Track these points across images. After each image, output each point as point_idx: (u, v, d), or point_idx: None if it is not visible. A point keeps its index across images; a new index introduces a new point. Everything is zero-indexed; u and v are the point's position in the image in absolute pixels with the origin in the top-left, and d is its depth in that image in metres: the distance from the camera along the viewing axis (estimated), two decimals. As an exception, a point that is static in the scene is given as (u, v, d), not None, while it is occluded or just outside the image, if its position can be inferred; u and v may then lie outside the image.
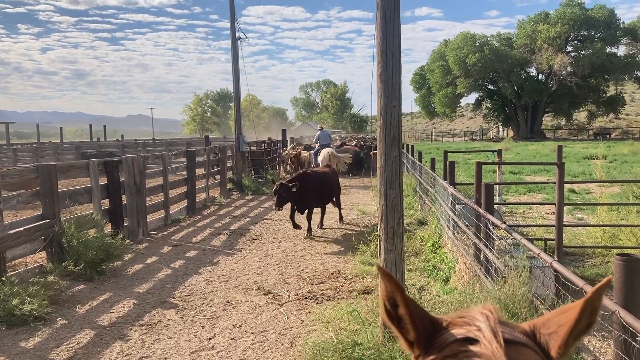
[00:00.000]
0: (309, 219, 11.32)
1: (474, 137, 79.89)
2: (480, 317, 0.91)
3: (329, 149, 20.50)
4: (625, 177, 17.49)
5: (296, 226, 11.24)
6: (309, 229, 11.23)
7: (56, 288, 7.25)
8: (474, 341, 0.86)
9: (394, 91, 4.99)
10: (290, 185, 10.58)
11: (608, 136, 62.60)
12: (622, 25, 62.94)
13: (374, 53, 5.12)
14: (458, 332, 0.90)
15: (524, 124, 67.16)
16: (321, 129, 22.34)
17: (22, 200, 8.13)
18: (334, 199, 12.45)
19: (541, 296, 4.20)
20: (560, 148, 8.33)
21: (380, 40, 4.96)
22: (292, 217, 11.26)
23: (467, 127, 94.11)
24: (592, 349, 3.78)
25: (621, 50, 64.47)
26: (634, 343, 2.53)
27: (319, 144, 21.65)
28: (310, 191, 11.03)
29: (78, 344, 5.77)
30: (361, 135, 49.87)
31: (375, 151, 24.25)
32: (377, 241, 9.10)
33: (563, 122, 73.97)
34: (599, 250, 8.82)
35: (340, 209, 12.72)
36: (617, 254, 2.81)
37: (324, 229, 12.00)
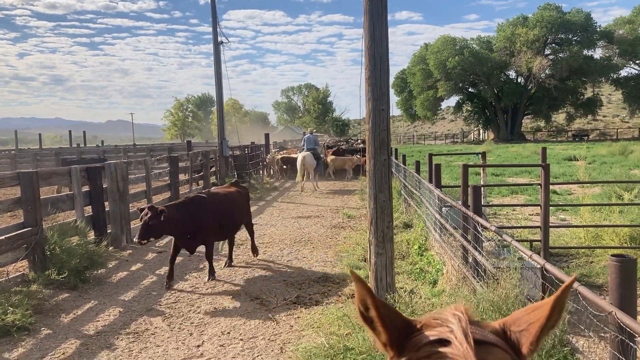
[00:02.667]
0: (208, 257, 8.44)
1: (455, 140, 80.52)
2: (452, 318, 0.94)
3: (305, 153, 20.45)
4: (604, 178, 17.73)
5: (171, 276, 8.06)
6: (211, 271, 8.41)
7: (40, 297, 7.12)
8: (446, 342, 0.90)
9: (382, 94, 4.99)
10: (159, 211, 7.64)
11: (586, 137, 63.53)
12: (598, 29, 64.02)
13: (362, 57, 5.12)
14: (431, 333, 0.93)
15: (504, 126, 67.89)
16: (311, 133, 22.28)
17: (3, 208, 7.96)
18: (245, 227, 9.76)
19: (534, 298, 4.22)
20: (544, 150, 8.41)
21: (368, 44, 4.95)
22: (172, 260, 8.11)
23: (448, 130, 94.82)
24: (587, 350, 3.81)
25: (598, 53, 65.65)
26: (631, 344, 2.54)
27: (305, 148, 21.65)
28: (205, 221, 8.21)
29: (64, 354, 5.66)
30: (343, 138, 49.92)
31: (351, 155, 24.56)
32: (366, 245, 9.10)
33: (542, 124, 74.91)
34: (583, 250, 8.91)
35: (252, 236, 9.80)
36: (612, 255, 2.83)
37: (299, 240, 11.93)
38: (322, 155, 23.12)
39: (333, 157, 24.46)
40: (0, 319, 6.13)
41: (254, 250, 9.67)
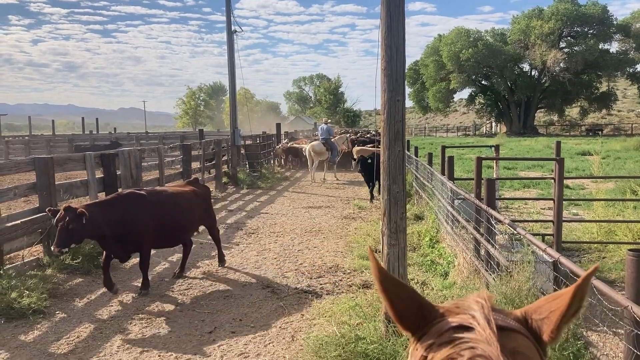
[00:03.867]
0: (143, 268, 7.15)
1: (467, 133, 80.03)
2: (475, 305, 0.95)
3: (314, 142, 20.53)
4: (618, 173, 17.58)
5: (109, 284, 6.92)
6: (145, 284, 7.15)
7: (54, 281, 7.22)
8: (469, 328, 0.91)
9: (398, 85, 4.98)
10: (78, 212, 6.31)
11: (600, 132, 62.93)
12: (614, 22, 63.15)
13: (378, 47, 5.11)
14: (454, 319, 0.94)
15: (516, 120, 67.37)
16: (325, 123, 22.30)
17: (19, 193, 8.05)
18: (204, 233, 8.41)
19: (547, 291, 4.22)
20: (558, 144, 8.36)
21: (384, 34, 4.94)
22: (105, 267, 6.93)
23: (460, 123, 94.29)
24: (601, 344, 3.80)
25: (614, 47, 64.83)
26: (646, 338, 2.54)
27: (319, 137, 21.72)
28: (139, 224, 6.90)
29: (78, 337, 5.74)
30: (352, 129, 49.75)
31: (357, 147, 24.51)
32: (377, 236, 9.11)
33: (555, 118, 74.25)
34: (595, 245, 8.87)
35: (219, 244, 8.56)
36: (630, 250, 2.82)
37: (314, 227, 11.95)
38: (344, 148, 23.17)
39: (358, 148, 24.36)
40: (17, 302, 6.24)
41: (221, 259, 8.46)
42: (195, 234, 8.52)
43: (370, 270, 1.00)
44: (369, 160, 14.46)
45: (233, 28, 19.12)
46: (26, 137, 41.28)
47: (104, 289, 7.34)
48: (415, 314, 0.97)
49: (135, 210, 6.91)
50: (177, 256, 9.10)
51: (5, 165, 8.13)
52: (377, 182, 14.91)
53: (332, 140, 21.23)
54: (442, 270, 7.62)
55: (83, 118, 59.86)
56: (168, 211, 7.32)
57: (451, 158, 9.79)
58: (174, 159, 15.36)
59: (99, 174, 10.13)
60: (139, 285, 7.45)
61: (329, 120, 24.25)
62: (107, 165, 10.32)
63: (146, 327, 6.02)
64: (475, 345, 0.87)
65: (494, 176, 11.03)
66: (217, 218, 12.61)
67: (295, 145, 25.73)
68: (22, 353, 5.35)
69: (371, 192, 15.03)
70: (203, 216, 8.19)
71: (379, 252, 7.81)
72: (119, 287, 7.47)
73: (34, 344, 5.56)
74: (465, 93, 75.97)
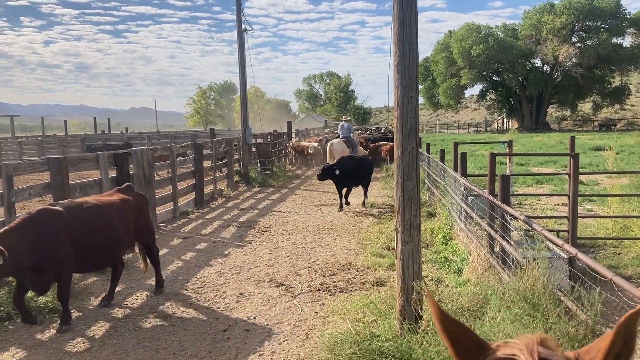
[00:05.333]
0: (62, 297, 5.89)
1: (478, 129, 79.58)
2: (524, 342, 1.03)
3: (334, 140, 20.58)
4: (632, 168, 17.39)
5: (27, 318, 5.90)
6: (65, 318, 5.93)
7: (69, 280, 7.24)
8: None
9: (411, 82, 4.95)
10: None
11: (613, 127, 62.28)
12: (628, 16, 62.37)
13: (390, 43, 5.08)
14: (502, 352, 1.03)
15: (528, 115, 66.87)
16: (345, 121, 22.34)
17: (33, 193, 8.12)
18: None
19: (564, 288, 4.18)
20: (572, 139, 8.28)
21: (397, 30, 4.91)
22: (19, 303, 5.84)
23: (472, 119, 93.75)
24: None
25: (627, 41, 64.01)
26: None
27: (340, 135, 21.77)
28: (55, 247, 5.67)
29: (94, 336, 5.78)
30: (362, 127, 49.60)
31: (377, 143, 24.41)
32: (389, 233, 9.08)
33: (568, 113, 73.59)
34: (610, 241, 8.78)
35: (157, 266, 7.30)
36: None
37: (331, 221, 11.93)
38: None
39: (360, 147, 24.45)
40: (33, 301, 6.29)
41: (158, 283, 7.21)
42: (127, 255, 7.50)
43: (430, 312, 1.10)
44: (337, 172, 12.87)
45: (243, 26, 19.15)
46: (39, 138, 41.66)
47: (118, 288, 7.38)
48: (472, 351, 1.07)
49: (49, 232, 5.67)
50: (190, 254, 9.15)
51: (21, 165, 8.20)
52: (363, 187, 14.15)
53: (353, 137, 21.39)
54: (456, 267, 7.58)
55: (95, 118, 60.29)
56: (91, 228, 6.10)
57: (464, 154, 9.73)
58: (186, 157, 15.40)
59: (112, 174, 10.20)
60: (154, 284, 7.46)
61: (349, 118, 24.19)
62: (120, 164, 10.37)
63: (161, 325, 6.04)
64: None
65: (507, 172, 10.94)
66: (229, 217, 12.69)
67: (301, 143, 26.02)
68: (39, 352, 5.39)
69: (344, 197, 13.46)
70: (137, 230, 6.85)
71: (393, 249, 7.79)
72: (133, 285, 7.52)
73: (50, 343, 5.60)
74: (476, 89, 75.51)
